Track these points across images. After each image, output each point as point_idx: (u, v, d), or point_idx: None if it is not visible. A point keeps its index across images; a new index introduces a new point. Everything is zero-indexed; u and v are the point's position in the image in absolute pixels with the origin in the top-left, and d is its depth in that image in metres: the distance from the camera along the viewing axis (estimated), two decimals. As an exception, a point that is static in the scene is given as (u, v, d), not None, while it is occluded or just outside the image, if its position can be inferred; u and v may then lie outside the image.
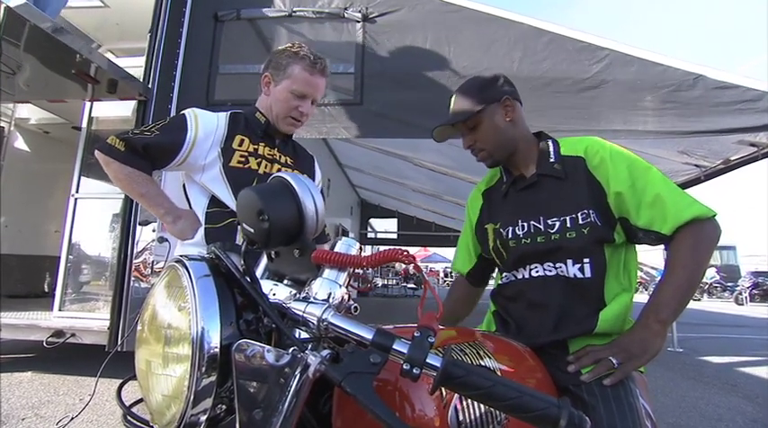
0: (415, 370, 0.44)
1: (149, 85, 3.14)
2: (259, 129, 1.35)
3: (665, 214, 0.87)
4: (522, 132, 1.06)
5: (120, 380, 0.69)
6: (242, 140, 1.30)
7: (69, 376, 3.21)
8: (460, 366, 0.44)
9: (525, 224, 1.00)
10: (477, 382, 0.44)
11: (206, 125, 1.26)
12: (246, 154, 1.29)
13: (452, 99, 1.05)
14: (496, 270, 1.16)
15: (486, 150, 1.04)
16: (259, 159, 1.31)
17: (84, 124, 3.62)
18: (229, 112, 1.34)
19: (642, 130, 2.72)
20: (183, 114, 1.28)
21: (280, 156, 1.38)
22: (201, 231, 1.25)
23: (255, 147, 1.32)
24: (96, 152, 1.22)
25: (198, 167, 1.26)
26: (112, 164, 1.19)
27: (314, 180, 1.50)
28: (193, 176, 1.28)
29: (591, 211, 0.93)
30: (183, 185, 1.33)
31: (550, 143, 1.04)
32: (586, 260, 0.94)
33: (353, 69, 3.00)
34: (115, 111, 3.59)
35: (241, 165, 1.27)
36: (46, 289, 4.79)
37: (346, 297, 0.55)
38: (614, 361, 0.85)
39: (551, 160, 1.01)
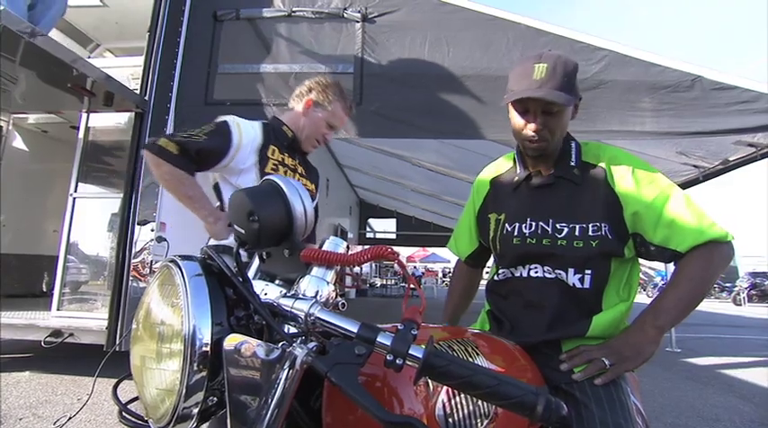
0: (398, 361, 0.46)
1: (146, 96, 3.15)
2: (285, 141, 1.50)
3: (683, 234, 0.86)
4: None
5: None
6: (273, 150, 1.45)
7: (67, 375, 3.21)
8: (441, 356, 0.46)
9: (534, 223, 0.98)
10: (458, 371, 0.45)
11: (247, 133, 1.39)
12: (277, 162, 1.44)
13: (541, 68, 0.89)
14: (493, 263, 1.16)
15: (548, 141, 0.95)
16: (285, 168, 1.47)
17: (81, 135, 3.62)
18: (261, 122, 1.49)
19: (640, 131, 2.72)
20: (226, 121, 1.38)
21: (298, 167, 1.54)
22: None
23: (282, 156, 1.47)
24: (146, 152, 1.28)
25: (237, 171, 1.37)
26: (164, 165, 1.26)
27: (317, 189, 1.66)
28: (229, 178, 1.39)
29: (604, 225, 0.91)
30: (217, 185, 1.44)
31: (573, 145, 1.01)
32: (588, 271, 0.93)
33: (352, 69, 3.01)
34: (114, 118, 3.58)
35: (273, 172, 1.38)
36: (44, 289, 4.77)
37: (333, 294, 0.57)
38: (606, 362, 0.85)
39: (572, 164, 0.98)
